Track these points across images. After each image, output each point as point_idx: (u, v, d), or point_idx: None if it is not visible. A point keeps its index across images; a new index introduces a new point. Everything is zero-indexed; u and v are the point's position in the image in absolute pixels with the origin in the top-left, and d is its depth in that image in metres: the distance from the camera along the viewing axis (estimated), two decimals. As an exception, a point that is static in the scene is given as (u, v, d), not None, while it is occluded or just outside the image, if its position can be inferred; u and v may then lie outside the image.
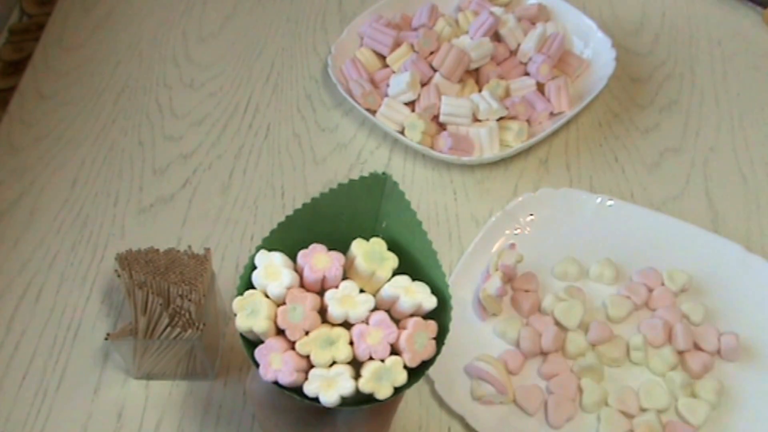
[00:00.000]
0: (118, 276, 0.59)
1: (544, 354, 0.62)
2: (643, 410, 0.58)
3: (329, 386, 0.39)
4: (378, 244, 0.43)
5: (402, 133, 0.77)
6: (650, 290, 0.65)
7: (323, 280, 0.42)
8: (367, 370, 0.40)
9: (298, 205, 0.45)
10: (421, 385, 0.61)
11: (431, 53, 0.81)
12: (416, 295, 0.42)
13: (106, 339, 0.59)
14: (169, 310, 0.57)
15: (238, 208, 0.75)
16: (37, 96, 0.87)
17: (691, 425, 0.57)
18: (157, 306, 0.57)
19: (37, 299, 0.69)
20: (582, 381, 0.60)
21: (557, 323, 0.63)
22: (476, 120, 0.77)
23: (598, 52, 0.84)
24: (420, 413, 0.60)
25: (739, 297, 0.65)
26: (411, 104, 0.79)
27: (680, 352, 0.61)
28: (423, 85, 0.79)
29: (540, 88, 0.81)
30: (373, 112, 0.79)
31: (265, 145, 0.81)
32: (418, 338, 0.40)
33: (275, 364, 0.39)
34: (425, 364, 0.41)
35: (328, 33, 0.93)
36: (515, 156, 0.77)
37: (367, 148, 0.80)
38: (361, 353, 0.40)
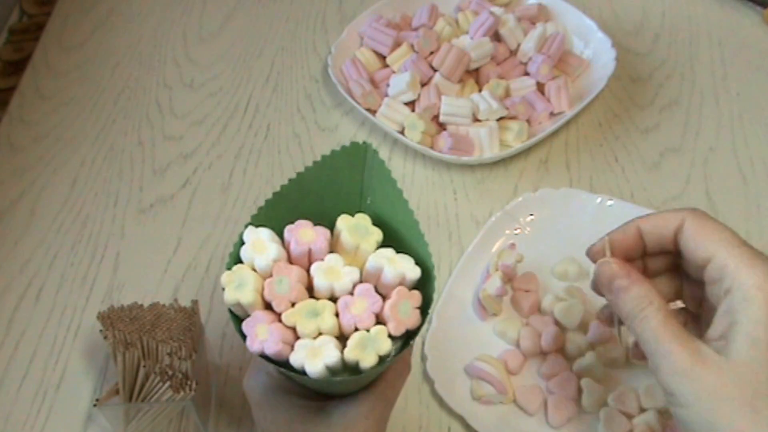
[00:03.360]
0: (105, 338, 0.56)
1: (544, 354, 0.62)
2: (643, 410, 0.58)
3: (314, 356, 0.39)
4: (363, 218, 0.43)
5: (402, 133, 0.77)
6: (650, 290, 0.65)
7: (309, 254, 0.42)
8: (352, 339, 0.40)
9: (286, 183, 0.46)
10: (421, 384, 0.61)
11: (431, 53, 0.81)
12: (400, 265, 0.42)
13: (94, 405, 0.57)
14: (157, 370, 0.54)
15: (238, 208, 0.75)
16: (37, 96, 0.87)
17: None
18: (143, 367, 0.54)
19: (37, 299, 0.69)
20: (582, 381, 0.60)
21: (557, 323, 0.63)
22: (476, 120, 0.77)
23: (598, 52, 0.84)
24: (420, 413, 0.60)
25: (739, 297, 0.65)
26: (411, 104, 0.79)
27: (680, 352, 0.61)
28: (423, 85, 0.79)
29: (540, 88, 0.81)
30: (373, 112, 0.79)
31: (265, 145, 0.81)
32: (402, 307, 0.40)
33: (261, 335, 0.40)
34: (411, 335, 0.41)
35: (328, 33, 0.93)
36: (515, 156, 0.77)
37: (367, 148, 0.80)
38: (346, 323, 0.40)
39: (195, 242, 0.72)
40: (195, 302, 0.59)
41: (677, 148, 0.79)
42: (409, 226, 0.44)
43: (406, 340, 0.43)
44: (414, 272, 0.42)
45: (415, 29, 0.86)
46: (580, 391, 0.60)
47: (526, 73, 0.82)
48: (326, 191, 0.45)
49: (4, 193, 0.78)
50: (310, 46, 0.92)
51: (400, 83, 0.78)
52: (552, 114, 0.79)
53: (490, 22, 0.81)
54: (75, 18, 0.97)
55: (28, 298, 0.69)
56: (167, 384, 0.54)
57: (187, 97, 0.87)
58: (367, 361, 0.39)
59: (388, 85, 0.80)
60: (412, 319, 0.41)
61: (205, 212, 0.75)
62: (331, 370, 0.40)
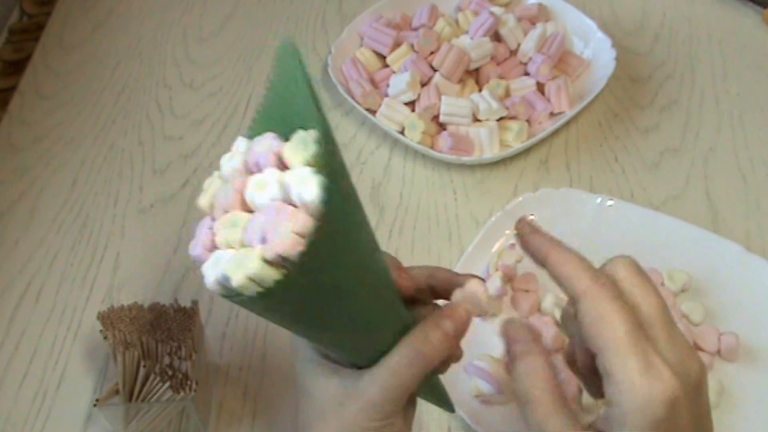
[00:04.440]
0: (105, 338, 0.56)
1: (544, 354, 0.62)
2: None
3: (215, 267, 0.35)
4: (309, 134, 0.38)
5: (402, 133, 0.77)
6: (650, 290, 0.65)
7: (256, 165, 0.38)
8: (225, 254, 0.36)
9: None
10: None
11: (431, 53, 0.81)
12: (290, 178, 0.35)
13: (94, 405, 0.57)
14: (157, 370, 0.54)
15: (238, 208, 0.75)
16: (37, 96, 0.87)
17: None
18: (143, 367, 0.54)
19: (37, 299, 0.69)
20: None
21: (557, 323, 0.63)
22: (476, 120, 0.77)
23: (598, 52, 0.84)
24: (420, 413, 0.60)
25: (739, 297, 0.65)
26: (411, 104, 0.79)
27: (680, 352, 0.61)
28: (423, 85, 0.79)
29: (540, 88, 0.81)
30: (373, 112, 0.79)
31: (265, 145, 0.81)
32: (281, 228, 0.34)
33: (199, 239, 0.37)
34: (295, 269, 0.34)
35: (328, 33, 0.93)
36: (515, 156, 0.77)
37: (367, 148, 0.80)
38: (248, 239, 0.35)
39: (195, 242, 0.72)
40: (195, 302, 0.59)
41: (677, 148, 0.79)
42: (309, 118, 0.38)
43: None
44: (311, 193, 0.35)
45: (415, 29, 0.86)
46: (580, 390, 0.59)
47: (526, 73, 0.82)
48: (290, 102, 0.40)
49: (4, 193, 0.78)
50: (310, 46, 0.92)
51: (400, 83, 0.78)
52: (552, 114, 0.79)
53: (490, 22, 0.81)
54: (75, 18, 0.97)
55: (28, 298, 0.69)
56: (167, 384, 0.54)
57: (187, 97, 0.87)
58: (235, 278, 0.34)
59: (388, 85, 0.80)
60: (283, 243, 0.34)
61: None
62: (226, 290, 0.35)
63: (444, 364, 0.44)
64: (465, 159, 0.75)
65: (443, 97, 0.76)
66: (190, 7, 0.98)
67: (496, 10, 0.85)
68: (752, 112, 0.82)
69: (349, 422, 0.39)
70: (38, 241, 0.73)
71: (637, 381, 0.33)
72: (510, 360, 0.39)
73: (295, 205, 0.35)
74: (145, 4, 0.99)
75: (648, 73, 0.87)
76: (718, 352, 0.61)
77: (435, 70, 0.80)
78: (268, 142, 0.38)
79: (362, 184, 0.77)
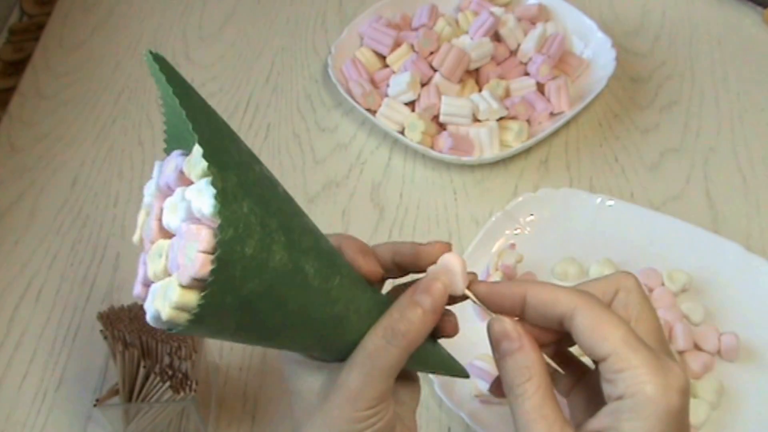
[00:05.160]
0: (105, 338, 0.56)
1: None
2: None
3: (151, 303, 0.35)
4: (197, 146, 0.34)
5: (402, 133, 0.77)
6: (650, 290, 0.65)
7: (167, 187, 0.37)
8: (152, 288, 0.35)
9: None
10: (421, 385, 0.61)
11: (431, 53, 0.81)
12: (195, 201, 0.33)
13: (94, 405, 0.56)
14: (157, 370, 0.54)
15: (238, 208, 0.75)
16: (37, 96, 0.87)
17: (691, 425, 0.57)
18: (143, 367, 0.54)
19: (37, 299, 0.69)
20: (582, 381, 0.59)
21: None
22: (476, 120, 0.77)
23: (598, 52, 0.84)
24: (420, 413, 0.60)
25: (739, 297, 0.65)
26: (411, 104, 0.79)
27: (680, 352, 0.61)
28: (423, 85, 0.79)
29: (540, 88, 0.81)
30: (373, 112, 0.79)
31: (265, 145, 0.81)
32: (188, 250, 0.33)
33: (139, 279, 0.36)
34: (212, 288, 0.32)
35: (328, 33, 0.93)
36: (515, 156, 0.77)
37: (367, 148, 0.80)
38: (170, 267, 0.34)
39: (195, 242, 0.72)
40: None
41: (677, 148, 0.79)
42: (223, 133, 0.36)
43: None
44: (207, 206, 0.33)
45: (415, 29, 0.86)
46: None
47: (526, 73, 0.82)
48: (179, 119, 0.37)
49: (4, 193, 0.78)
50: (310, 46, 0.92)
51: (400, 83, 0.78)
52: (552, 114, 0.79)
53: (490, 22, 0.81)
54: (75, 18, 0.97)
55: (28, 298, 0.69)
56: (167, 384, 0.54)
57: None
58: (165, 312, 0.33)
59: (388, 85, 0.80)
60: (194, 265, 0.32)
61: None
62: (162, 321, 0.34)
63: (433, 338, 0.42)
64: (465, 159, 0.75)
65: (443, 97, 0.76)
66: (190, 7, 0.98)
67: (496, 10, 0.85)
68: (752, 112, 0.82)
69: (333, 416, 0.38)
70: (38, 241, 0.73)
71: (652, 370, 0.34)
72: (498, 358, 0.39)
73: (201, 222, 0.34)
74: (145, 4, 0.99)
75: (648, 73, 0.87)
76: (718, 352, 0.61)
77: (435, 70, 0.80)
78: (174, 160, 0.36)
79: (362, 184, 0.77)
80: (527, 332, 0.38)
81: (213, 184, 0.32)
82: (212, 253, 0.32)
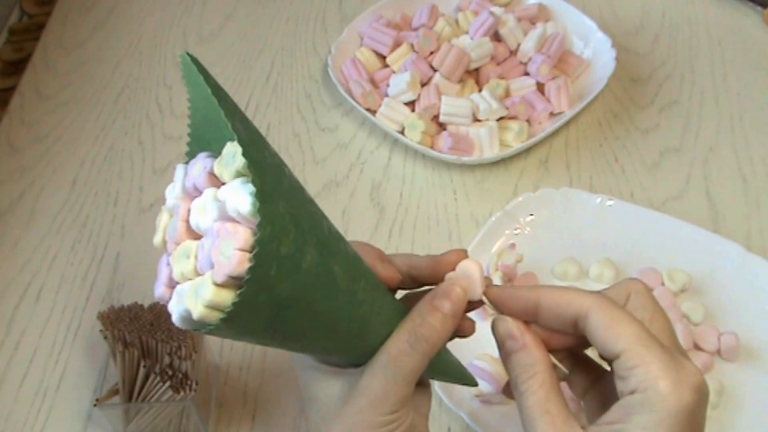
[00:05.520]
0: (105, 337, 0.56)
1: (544, 354, 0.62)
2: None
3: (178, 303, 0.35)
4: (233, 145, 0.35)
5: (402, 133, 0.77)
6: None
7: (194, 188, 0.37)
8: (182, 288, 0.35)
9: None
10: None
11: (431, 53, 0.81)
12: (230, 201, 0.33)
13: (94, 405, 0.56)
14: (157, 370, 0.54)
15: (238, 208, 0.75)
16: (37, 96, 0.87)
17: (691, 425, 0.57)
18: (143, 367, 0.54)
19: (37, 299, 0.69)
20: (582, 381, 0.59)
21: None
22: (476, 120, 0.77)
23: (598, 52, 0.84)
24: (420, 413, 0.60)
25: (739, 297, 0.65)
26: (411, 104, 0.79)
27: (680, 352, 0.61)
28: (423, 85, 0.79)
29: (540, 88, 0.81)
30: (373, 112, 0.79)
31: (265, 145, 0.81)
32: (224, 248, 0.33)
33: (161, 279, 0.36)
34: (248, 285, 0.32)
35: (328, 33, 0.93)
36: (515, 156, 0.77)
37: (367, 148, 0.80)
38: (200, 266, 0.34)
39: (195, 242, 0.72)
40: None
41: (677, 148, 0.79)
42: (254, 138, 0.36)
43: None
44: (243, 203, 0.33)
45: (415, 29, 0.86)
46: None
47: (526, 73, 0.82)
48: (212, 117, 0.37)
49: (4, 193, 0.78)
50: (310, 46, 0.92)
51: (400, 83, 0.78)
52: (552, 114, 0.79)
53: (490, 22, 0.81)
54: (75, 18, 0.97)
55: (28, 298, 0.69)
56: (167, 384, 0.54)
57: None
58: (196, 311, 0.33)
59: (388, 85, 0.80)
60: (231, 262, 0.32)
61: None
62: (189, 321, 0.35)
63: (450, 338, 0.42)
64: (465, 159, 0.75)
65: (443, 97, 0.76)
66: (190, 7, 0.98)
67: (496, 10, 0.85)
68: (752, 112, 0.82)
69: (355, 420, 0.38)
70: (38, 241, 0.73)
71: (665, 366, 0.34)
72: (503, 357, 0.39)
73: (237, 221, 0.34)
74: (145, 4, 0.99)
75: (648, 73, 0.87)
76: (718, 352, 0.61)
77: (435, 70, 0.80)
78: (201, 162, 0.37)
79: (362, 184, 0.77)
80: (530, 331, 0.39)
81: (252, 182, 0.33)
82: (249, 251, 0.32)
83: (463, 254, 0.41)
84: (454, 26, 0.85)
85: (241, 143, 0.33)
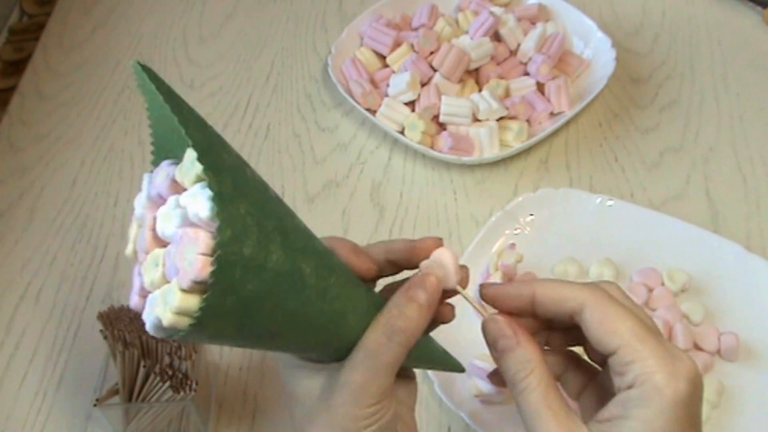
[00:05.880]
0: (105, 337, 0.56)
1: (544, 354, 0.62)
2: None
3: (150, 312, 0.35)
4: (191, 152, 0.35)
5: (402, 133, 0.77)
6: (650, 290, 0.65)
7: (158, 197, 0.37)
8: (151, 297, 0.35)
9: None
10: (420, 385, 0.61)
11: (431, 53, 0.81)
12: (191, 206, 0.34)
13: (94, 405, 0.57)
14: (157, 370, 0.54)
15: (238, 208, 0.75)
16: (37, 96, 0.87)
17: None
18: (143, 367, 0.54)
19: (37, 299, 0.69)
20: (582, 381, 0.59)
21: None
22: (476, 120, 0.77)
23: (598, 52, 0.84)
24: (420, 413, 0.60)
25: (739, 297, 0.65)
26: (411, 104, 0.79)
27: (680, 352, 0.61)
28: (423, 85, 0.79)
29: (540, 88, 0.81)
30: (373, 112, 0.79)
31: (265, 145, 0.81)
32: (187, 254, 0.33)
33: (135, 291, 0.37)
34: (213, 289, 0.32)
35: (328, 33, 0.93)
36: (515, 156, 0.77)
37: (367, 148, 0.80)
38: (168, 274, 0.34)
39: (195, 242, 0.72)
40: None
41: (677, 148, 0.79)
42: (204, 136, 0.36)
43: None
44: (201, 207, 0.33)
45: (415, 29, 0.86)
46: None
47: (526, 73, 0.82)
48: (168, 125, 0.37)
49: (4, 193, 0.78)
50: (310, 46, 0.92)
51: (400, 83, 0.78)
52: (552, 114, 0.79)
53: (490, 22, 0.81)
54: (75, 18, 0.97)
55: (28, 298, 0.69)
56: (167, 384, 0.54)
57: (187, 97, 0.85)
58: (165, 318, 0.33)
59: (388, 85, 0.80)
60: (195, 268, 0.33)
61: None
62: (164, 329, 0.35)
63: (429, 328, 0.42)
64: (465, 159, 0.75)
65: (443, 97, 0.76)
66: (190, 7, 0.98)
67: (496, 10, 0.85)
68: (752, 112, 0.82)
69: (338, 415, 0.38)
70: (38, 241, 0.73)
71: (661, 359, 0.35)
72: (497, 357, 0.39)
73: (199, 226, 0.34)
74: (145, 4, 0.99)
75: (648, 73, 0.87)
76: (718, 352, 0.61)
77: (435, 70, 0.80)
78: (164, 170, 0.37)
79: (362, 184, 0.77)
80: (523, 329, 0.39)
81: (209, 186, 0.33)
82: (211, 255, 0.32)
83: (439, 242, 0.41)
84: (454, 26, 0.85)
85: (196, 148, 0.33)
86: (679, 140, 0.80)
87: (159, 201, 0.37)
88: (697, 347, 0.61)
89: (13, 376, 0.64)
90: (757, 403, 0.59)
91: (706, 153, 0.78)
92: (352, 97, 0.80)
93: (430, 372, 0.60)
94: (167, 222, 0.35)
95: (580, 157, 0.78)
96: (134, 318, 0.57)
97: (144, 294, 0.36)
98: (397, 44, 0.83)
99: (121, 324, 0.57)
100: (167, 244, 0.35)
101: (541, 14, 0.88)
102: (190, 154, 0.35)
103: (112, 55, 0.92)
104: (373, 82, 0.82)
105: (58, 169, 0.80)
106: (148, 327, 0.35)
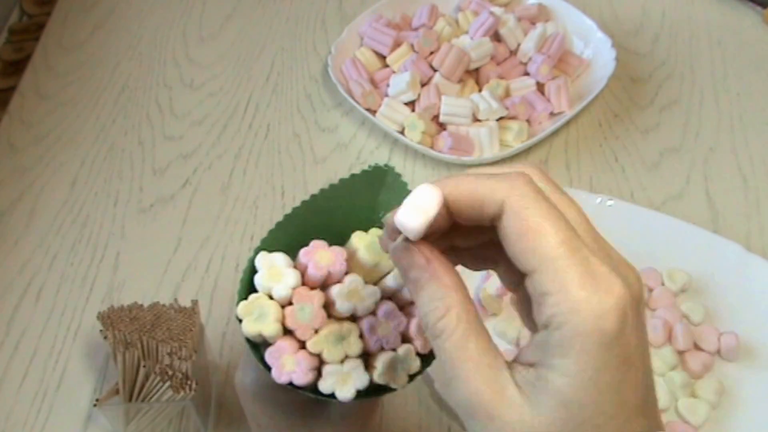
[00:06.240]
0: (105, 338, 0.56)
1: (544, 354, 0.62)
2: (643, 410, 0.58)
3: (344, 382, 0.39)
4: (378, 233, 0.41)
5: (402, 133, 0.77)
6: (650, 290, 0.65)
7: (327, 276, 0.41)
8: (380, 362, 0.39)
9: (298, 205, 0.44)
10: (420, 385, 0.61)
11: (431, 53, 0.81)
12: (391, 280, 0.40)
13: (94, 405, 0.57)
14: (157, 370, 0.54)
15: (238, 208, 0.75)
16: (37, 96, 0.87)
17: (691, 425, 0.57)
18: (143, 367, 0.54)
19: (37, 299, 0.69)
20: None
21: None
22: (476, 120, 0.77)
23: (598, 52, 0.84)
24: (420, 413, 0.60)
25: (739, 297, 0.65)
26: (411, 104, 0.79)
27: (680, 352, 0.61)
28: (423, 85, 0.79)
29: (540, 88, 0.81)
30: (373, 112, 0.79)
31: (265, 145, 0.81)
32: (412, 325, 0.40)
33: (288, 366, 0.39)
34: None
35: (328, 33, 0.93)
36: (515, 156, 0.77)
37: (367, 148, 0.80)
38: (373, 345, 0.40)
39: (195, 242, 0.72)
40: (195, 302, 0.59)
41: (677, 148, 0.79)
42: None
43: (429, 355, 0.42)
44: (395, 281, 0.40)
45: (415, 29, 0.86)
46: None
47: (526, 73, 0.82)
48: (337, 210, 0.44)
49: (4, 193, 0.78)
50: (310, 46, 0.92)
51: (400, 83, 0.78)
52: (552, 114, 0.79)
53: (490, 22, 0.81)
54: (75, 18, 0.97)
55: (28, 298, 0.69)
56: (167, 384, 0.54)
57: (187, 97, 0.87)
58: (399, 382, 0.39)
59: (388, 85, 0.80)
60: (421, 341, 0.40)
61: (205, 212, 0.75)
62: (359, 392, 0.40)
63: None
64: (465, 159, 0.75)
65: (443, 97, 0.76)
66: (190, 7, 0.98)
67: (496, 10, 0.85)
68: (752, 112, 0.82)
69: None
70: (38, 241, 0.73)
71: (583, 296, 0.28)
72: (414, 297, 0.32)
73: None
74: (145, 4, 0.99)
75: (648, 73, 0.87)
76: (718, 352, 0.61)
77: (435, 70, 0.80)
78: (326, 253, 0.40)
79: (362, 184, 0.77)
80: (438, 255, 0.32)
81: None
82: None
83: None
84: (454, 26, 0.85)
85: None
86: (679, 140, 0.80)
87: (316, 281, 0.40)
88: (697, 347, 0.61)
89: (13, 376, 0.64)
90: (757, 403, 0.59)
91: (706, 153, 0.78)
92: (352, 97, 0.80)
93: (429, 372, 0.60)
94: (356, 300, 0.40)
95: (580, 157, 0.78)
96: (134, 318, 0.57)
97: (313, 368, 0.39)
98: (397, 44, 0.83)
99: (121, 324, 0.57)
100: (347, 318, 0.40)
101: (541, 14, 0.88)
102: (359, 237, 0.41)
103: (112, 55, 0.92)
104: (373, 82, 0.82)
105: (58, 169, 0.80)
106: (346, 396, 0.39)
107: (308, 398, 0.41)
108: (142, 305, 0.59)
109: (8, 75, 0.91)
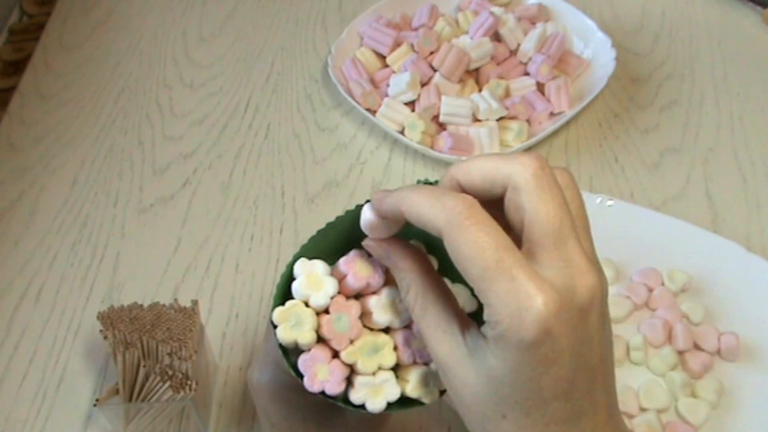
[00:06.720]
0: (105, 338, 0.56)
1: (544, 354, 0.62)
2: (643, 410, 0.58)
3: (376, 394, 0.39)
4: (417, 245, 0.41)
5: (402, 133, 0.77)
6: (650, 290, 0.65)
7: (366, 286, 0.41)
8: (413, 376, 0.40)
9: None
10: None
11: (431, 53, 0.81)
12: (458, 298, 0.40)
13: (94, 405, 0.57)
14: (157, 370, 0.54)
15: (238, 208, 0.75)
16: (37, 96, 0.87)
17: (691, 425, 0.57)
18: (143, 367, 0.54)
19: (37, 299, 0.69)
20: (582, 381, 0.59)
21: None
22: (476, 120, 0.77)
23: (598, 52, 0.84)
24: (420, 414, 0.60)
25: (739, 297, 0.65)
26: (411, 104, 0.79)
27: (680, 352, 0.61)
28: (423, 85, 0.79)
29: (540, 88, 0.81)
30: (373, 112, 0.79)
31: (265, 145, 0.81)
32: None
33: (321, 375, 0.39)
34: None
35: (328, 33, 0.93)
36: (515, 156, 0.77)
37: (367, 148, 0.80)
38: (407, 359, 0.40)
39: (195, 242, 0.72)
40: (195, 302, 0.59)
41: (677, 148, 0.79)
42: None
43: None
44: (471, 305, 0.41)
45: (415, 29, 0.86)
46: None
47: (526, 73, 0.82)
48: None
49: (4, 193, 0.78)
50: (310, 46, 0.92)
51: (400, 83, 0.78)
52: (552, 114, 0.79)
53: (490, 22, 0.81)
54: (75, 18, 0.97)
55: (28, 298, 0.69)
56: (167, 384, 0.54)
57: (187, 97, 0.87)
58: (430, 397, 0.39)
59: (388, 85, 0.80)
60: None
61: (205, 212, 0.75)
62: (389, 404, 0.40)
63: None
64: (465, 159, 0.75)
65: (443, 97, 0.76)
66: (190, 7, 0.98)
67: (496, 10, 0.85)
68: (752, 112, 0.82)
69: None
70: (38, 241, 0.73)
71: (504, 308, 0.31)
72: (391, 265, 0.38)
73: None
74: (145, 4, 0.99)
75: (648, 73, 0.87)
76: (718, 352, 0.61)
77: (435, 70, 0.80)
78: (365, 264, 0.40)
79: (362, 184, 0.77)
80: (393, 244, 0.38)
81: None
82: None
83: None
84: (454, 26, 0.85)
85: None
86: (679, 140, 0.80)
87: (353, 291, 0.40)
88: (697, 347, 0.61)
89: (13, 376, 0.64)
90: (757, 403, 0.59)
91: (706, 153, 0.78)
92: (352, 97, 0.80)
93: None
94: (394, 312, 0.40)
95: (580, 157, 0.78)
96: (134, 318, 0.57)
97: (344, 379, 0.40)
98: (397, 44, 0.83)
99: (121, 324, 0.57)
100: (383, 330, 0.40)
101: (541, 14, 0.88)
102: (420, 248, 0.40)
103: (112, 55, 0.92)
104: (373, 82, 0.82)
105: (58, 169, 0.80)
106: (374, 408, 0.39)
107: (326, 402, 0.41)
108: (142, 305, 0.58)
109: (8, 75, 0.91)
